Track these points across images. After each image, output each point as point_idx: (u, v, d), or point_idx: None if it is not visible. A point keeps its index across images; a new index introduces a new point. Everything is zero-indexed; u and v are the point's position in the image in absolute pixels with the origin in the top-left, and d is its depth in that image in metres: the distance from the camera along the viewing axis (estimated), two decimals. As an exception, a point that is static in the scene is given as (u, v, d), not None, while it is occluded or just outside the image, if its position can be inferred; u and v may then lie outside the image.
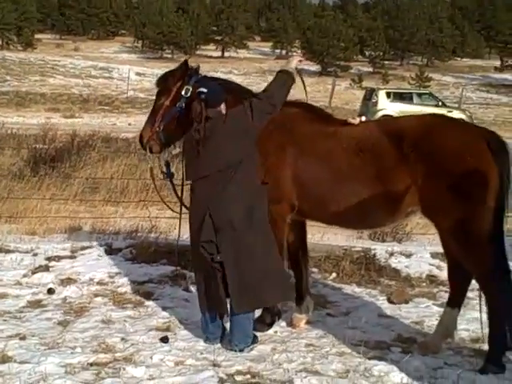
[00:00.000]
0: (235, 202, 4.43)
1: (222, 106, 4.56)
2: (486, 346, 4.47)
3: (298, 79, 4.76)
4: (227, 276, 4.45)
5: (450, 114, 20.47)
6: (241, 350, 4.53)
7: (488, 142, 4.30)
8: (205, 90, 4.51)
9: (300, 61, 4.90)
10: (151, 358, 4.39)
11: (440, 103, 28.21)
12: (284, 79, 4.65)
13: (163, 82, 4.98)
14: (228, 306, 4.57)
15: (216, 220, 4.40)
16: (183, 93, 4.83)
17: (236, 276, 4.44)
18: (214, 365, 4.32)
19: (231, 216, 4.41)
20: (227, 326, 4.71)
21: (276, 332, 4.96)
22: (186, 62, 4.96)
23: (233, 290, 4.46)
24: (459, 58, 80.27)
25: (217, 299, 4.54)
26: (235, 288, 4.45)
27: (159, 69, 58.03)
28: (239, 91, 4.95)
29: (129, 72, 47.17)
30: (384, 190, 4.44)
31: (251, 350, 4.57)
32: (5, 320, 5.04)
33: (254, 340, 4.66)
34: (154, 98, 5.04)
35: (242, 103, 4.56)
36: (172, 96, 4.85)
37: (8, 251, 6.73)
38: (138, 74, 53.89)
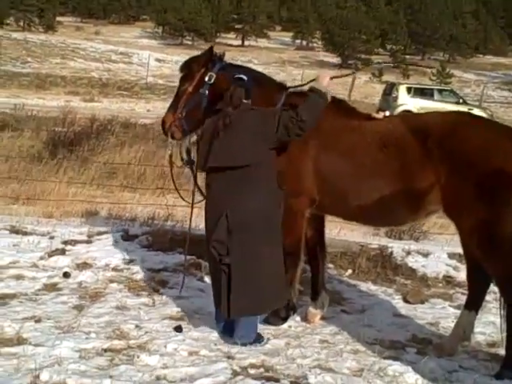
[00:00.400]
0: (254, 206, 4.33)
1: (249, 100, 4.50)
2: (502, 351, 4.42)
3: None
4: (232, 279, 4.35)
5: (470, 112, 20.29)
6: (243, 345, 4.45)
7: None
8: (245, 78, 4.45)
9: (331, 78, 4.66)
10: (165, 346, 4.39)
11: (461, 100, 27.93)
12: (317, 102, 4.42)
13: (187, 67, 4.95)
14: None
15: (231, 222, 4.31)
16: (207, 79, 4.80)
17: (240, 281, 4.34)
18: (228, 357, 4.31)
19: (248, 220, 4.32)
20: None
21: (290, 327, 4.94)
22: (211, 48, 4.94)
23: (234, 294, 4.35)
24: (482, 55, 79.40)
25: (220, 299, 4.45)
26: (236, 292, 4.35)
27: (179, 55, 58.14)
28: (263, 82, 4.90)
29: (149, 58, 47.17)
30: (407, 186, 4.38)
31: (265, 343, 4.54)
32: (21, 302, 5.08)
33: (259, 339, 4.56)
34: (178, 83, 5.00)
35: (270, 100, 4.51)
36: (196, 82, 4.83)
37: (25, 233, 6.77)
38: (157, 60, 53.93)
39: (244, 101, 4.42)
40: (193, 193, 4.80)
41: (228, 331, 4.63)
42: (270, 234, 4.44)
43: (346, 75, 5.04)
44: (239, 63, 5.44)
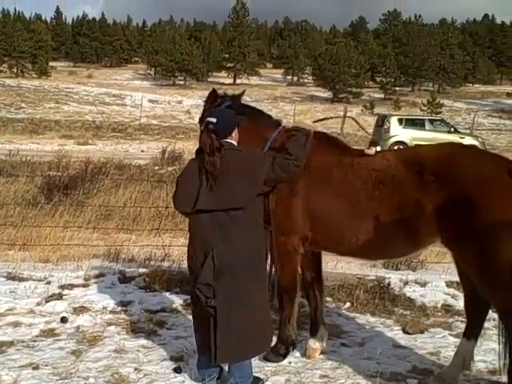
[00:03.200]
0: (240, 248, 4.24)
1: (234, 134, 4.43)
2: (504, 378, 4.39)
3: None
4: (217, 324, 4.23)
5: (461, 141, 20.44)
6: None
7: (509, 172, 4.25)
8: (213, 120, 4.35)
9: (314, 121, 4.77)
10: (165, 388, 4.36)
11: (452, 129, 28.16)
12: (303, 138, 4.46)
13: (203, 111, 5.09)
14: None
15: (218, 263, 4.20)
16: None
17: (225, 325, 4.23)
18: (228, 396, 4.27)
19: (235, 262, 4.21)
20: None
21: (290, 363, 4.90)
22: (213, 90, 5.06)
23: (219, 339, 4.23)
24: (471, 84, 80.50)
25: (207, 345, 4.31)
26: (222, 337, 4.23)
27: (171, 96, 58.77)
28: (256, 119, 4.96)
29: (142, 99, 47.67)
30: (404, 221, 4.36)
31: (266, 382, 4.51)
32: (18, 349, 5.04)
33: (256, 382, 4.47)
34: None
35: (261, 136, 4.54)
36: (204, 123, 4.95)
37: (22, 279, 6.74)
38: (150, 100, 54.44)
39: (228, 140, 4.35)
40: None
41: (210, 380, 4.46)
42: (256, 275, 4.33)
43: (329, 118, 5.12)
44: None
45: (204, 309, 4.26)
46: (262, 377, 4.55)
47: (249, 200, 4.28)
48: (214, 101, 4.98)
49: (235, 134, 4.46)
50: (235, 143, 4.44)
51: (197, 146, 4.59)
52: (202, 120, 5.01)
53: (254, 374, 4.48)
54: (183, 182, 4.42)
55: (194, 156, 4.56)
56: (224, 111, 4.61)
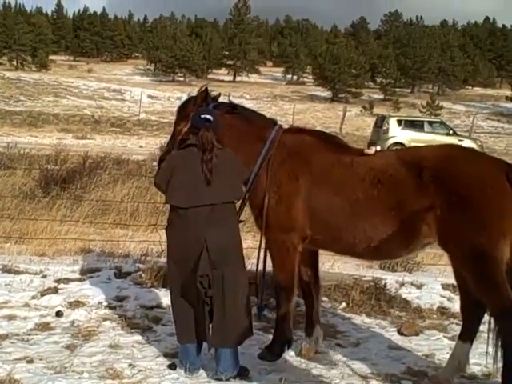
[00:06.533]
0: (230, 238, 4.50)
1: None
2: (498, 381, 4.39)
3: None
4: (214, 311, 4.44)
5: (460, 143, 20.45)
6: (227, 380, 4.45)
7: (507, 174, 4.26)
8: (211, 118, 4.53)
9: None
10: (159, 385, 4.35)
11: (451, 132, 28.16)
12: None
13: (183, 108, 5.03)
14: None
15: (212, 254, 4.37)
16: None
17: (221, 312, 4.43)
18: (223, 394, 4.27)
19: (224, 250, 4.43)
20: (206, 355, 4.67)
21: (285, 362, 4.90)
22: (206, 89, 5.00)
23: (217, 325, 4.44)
24: (470, 87, 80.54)
25: (205, 333, 4.49)
26: (219, 324, 4.44)
27: (171, 92, 58.68)
28: (253, 119, 4.96)
29: (141, 94, 47.58)
30: (402, 221, 4.37)
31: (261, 380, 4.51)
32: (12, 342, 5.03)
33: (243, 372, 4.56)
34: (174, 123, 5.08)
35: (260, 136, 4.76)
36: (190, 123, 4.89)
37: (17, 272, 6.73)
38: (150, 96, 54.34)
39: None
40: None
41: (194, 369, 4.59)
42: (242, 261, 4.60)
43: None
44: (231, 99, 5.49)
45: (201, 300, 4.39)
46: (256, 375, 4.55)
47: (240, 194, 4.62)
48: (204, 100, 4.94)
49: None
50: None
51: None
52: (184, 114, 4.94)
53: (241, 364, 4.58)
54: (178, 177, 4.49)
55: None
56: (213, 110, 4.73)
